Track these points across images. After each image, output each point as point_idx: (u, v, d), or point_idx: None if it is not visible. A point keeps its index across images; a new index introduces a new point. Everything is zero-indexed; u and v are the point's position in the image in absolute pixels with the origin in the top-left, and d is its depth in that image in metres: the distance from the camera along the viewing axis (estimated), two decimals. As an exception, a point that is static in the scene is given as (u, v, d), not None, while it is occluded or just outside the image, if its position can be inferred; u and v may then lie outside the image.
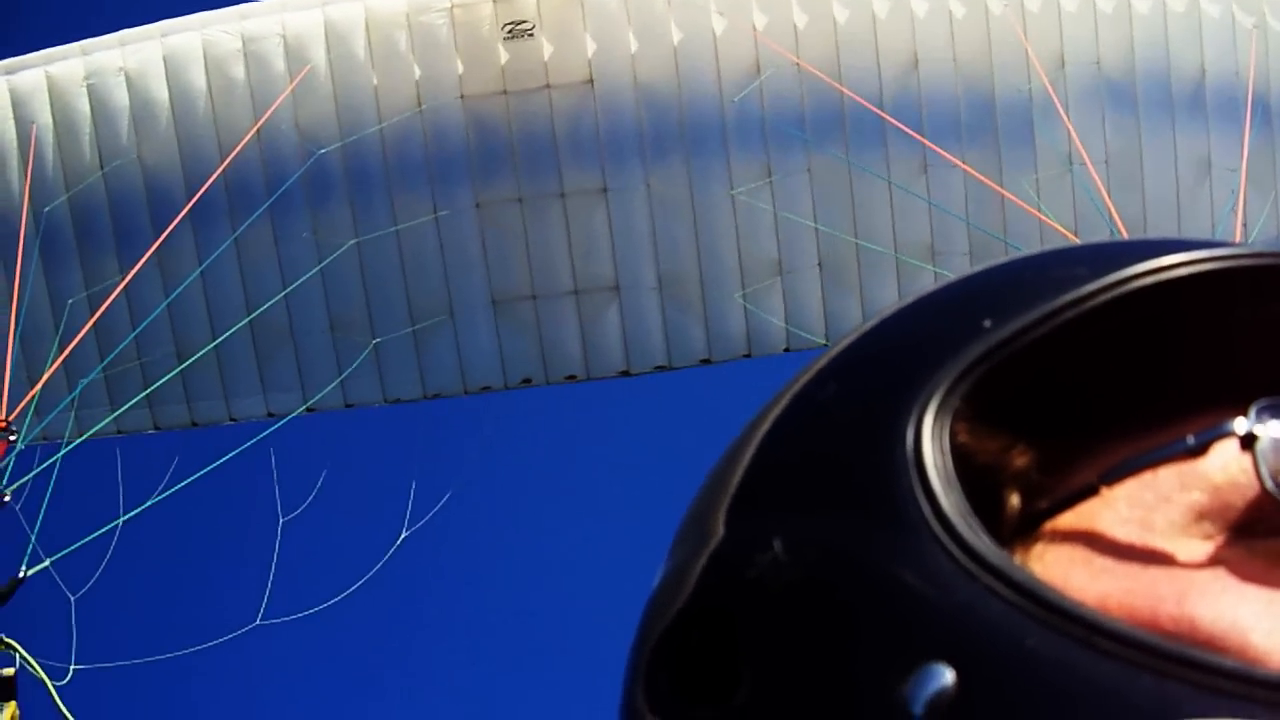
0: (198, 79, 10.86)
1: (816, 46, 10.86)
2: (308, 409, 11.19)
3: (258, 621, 10.29)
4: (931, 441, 0.77)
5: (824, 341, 11.07)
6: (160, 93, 10.86)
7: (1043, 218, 10.53)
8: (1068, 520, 0.80)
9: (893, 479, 0.76)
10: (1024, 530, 0.81)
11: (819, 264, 11.26)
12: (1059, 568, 0.77)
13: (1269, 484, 0.73)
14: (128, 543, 10.34)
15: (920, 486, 0.75)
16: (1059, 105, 10.77)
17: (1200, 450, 0.77)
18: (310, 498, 11.12)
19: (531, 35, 10.81)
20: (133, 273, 10.00)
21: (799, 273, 11.24)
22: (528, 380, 11.42)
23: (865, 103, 10.58)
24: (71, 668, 9.66)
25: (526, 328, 11.22)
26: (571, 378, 11.43)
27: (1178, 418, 0.82)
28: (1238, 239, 9.53)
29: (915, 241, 11.22)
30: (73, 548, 9.60)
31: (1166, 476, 0.78)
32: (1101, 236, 10.41)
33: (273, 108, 10.54)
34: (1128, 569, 0.75)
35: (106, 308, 10.08)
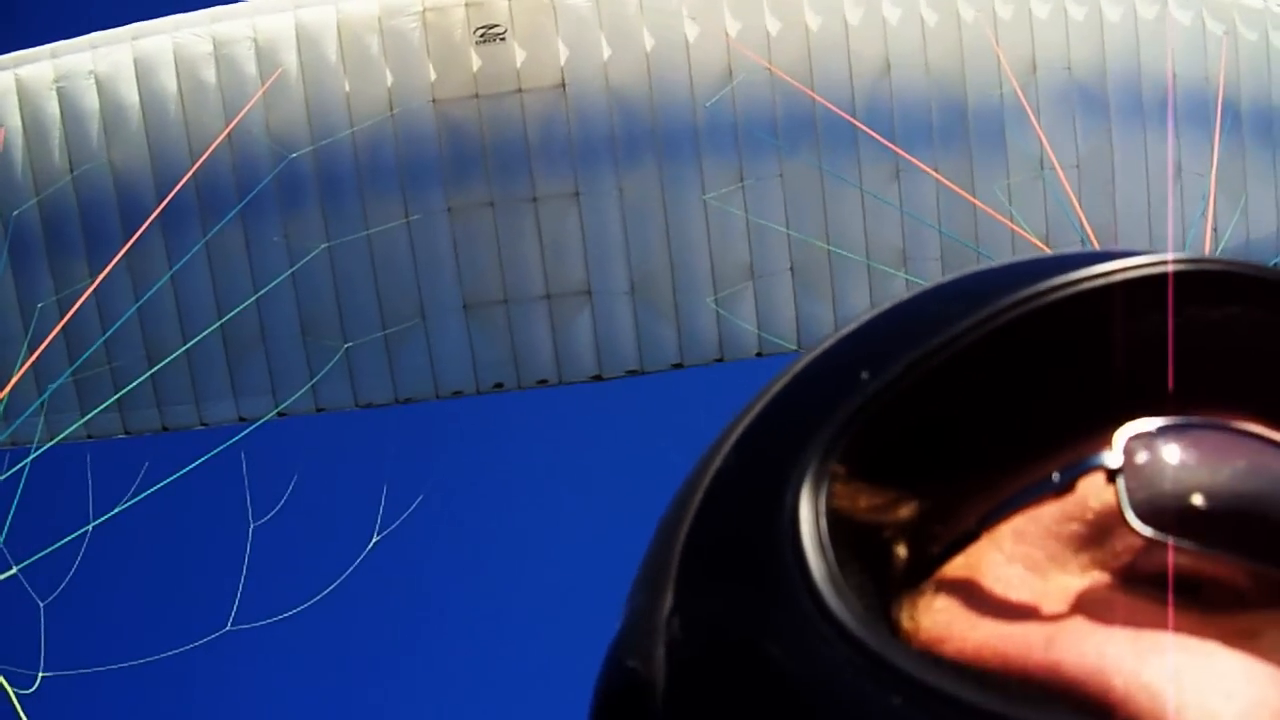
0: (168, 82, 10.81)
1: (789, 52, 10.88)
2: (279, 413, 11.14)
3: (229, 627, 10.26)
4: (808, 508, 0.77)
5: (795, 347, 11.09)
6: (130, 96, 10.81)
7: (1012, 226, 10.58)
8: (956, 565, 0.80)
9: (774, 551, 0.77)
10: (916, 581, 0.81)
11: (791, 269, 11.28)
12: (944, 616, 0.78)
13: (1131, 518, 0.73)
14: (98, 548, 10.29)
15: (794, 556, 0.75)
16: (1030, 111, 10.81)
17: (1068, 487, 0.77)
18: (281, 502, 11.11)
19: (503, 39, 10.79)
20: (101, 276, 9.94)
21: (771, 277, 11.25)
22: (499, 385, 11.40)
23: (836, 109, 10.60)
24: (40, 675, 9.61)
25: (498, 332, 11.20)
26: (543, 382, 11.42)
27: (1059, 449, 0.82)
28: (1207, 243, 9.61)
29: (887, 246, 11.25)
30: (42, 554, 9.54)
31: (1049, 510, 0.78)
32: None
33: (244, 111, 10.49)
34: (1003, 614, 0.75)
35: (75, 311, 10.02)
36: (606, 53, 10.87)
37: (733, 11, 10.90)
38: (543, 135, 10.92)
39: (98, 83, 10.81)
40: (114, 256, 10.07)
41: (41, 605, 10.19)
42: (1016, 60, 11.07)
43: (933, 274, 10.73)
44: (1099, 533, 0.76)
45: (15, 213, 10.70)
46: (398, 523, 11.10)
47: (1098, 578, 0.74)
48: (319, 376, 10.95)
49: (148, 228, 10.16)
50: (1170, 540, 0.72)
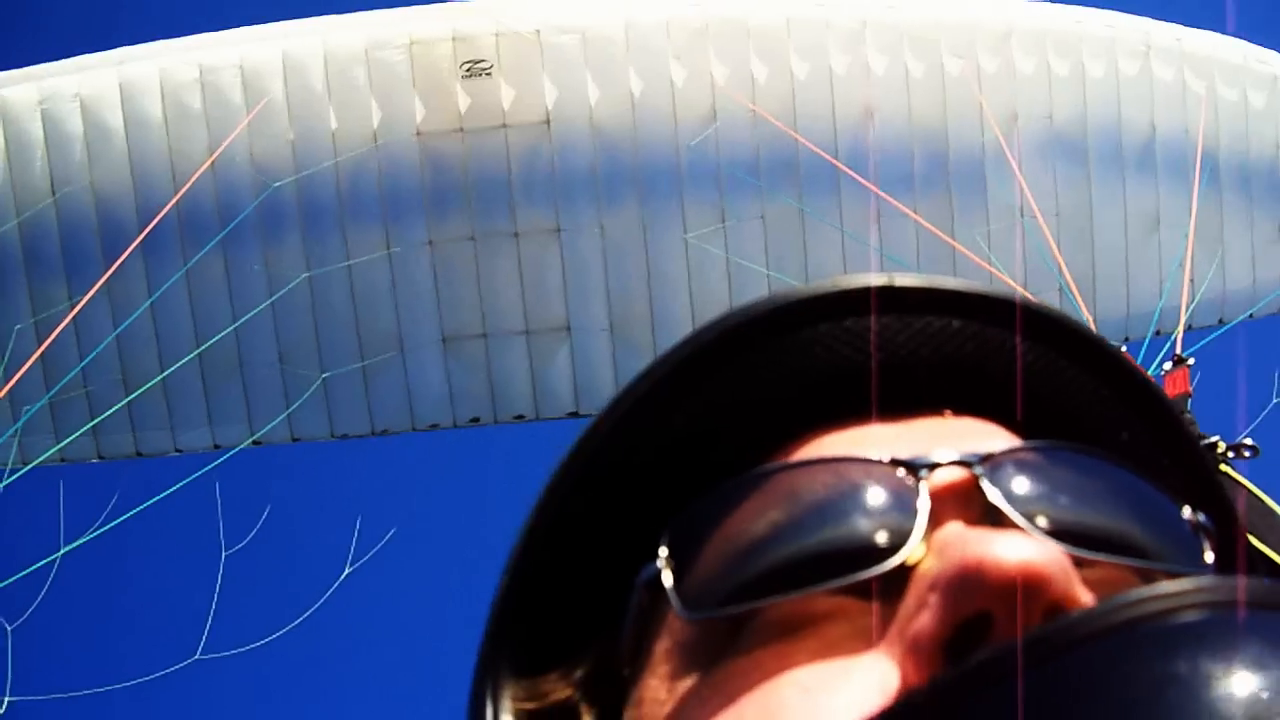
0: (153, 107, 10.81)
1: (773, 97, 10.93)
2: (254, 442, 11.11)
3: (198, 655, 10.19)
4: None
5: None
6: (114, 120, 10.80)
7: (992, 270, 10.62)
8: (632, 704, 0.87)
9: None
10: None
11: (770, 309, 11.27)
12: None
13: (682, 614, 0.81)
14: (68, 572, 10.23)
15: None
16: (1011, 159, 10.88)
17: (653, 601, 0.86)
18: (254, 532, 11.05)
19: (489, 74, 10.83)
20: (84, 302, 9.91)
21: (750, 318, 11.24)
22: (476, 419, 11.39)
23: (819, 151, 10.64)
24: (6, 699, 9.53)
25: (476, 366, 11.19)
26: (520, 418, 11.41)
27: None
28: (1184, 295, 9.66)
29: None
30: (13, 579, 9.47)
31: (667, 628, 0.86)
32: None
33: (229, 140, 10.49)
34: None
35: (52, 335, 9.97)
36: (592, 90, 10.91)
37: (719, 56, 10.96)
38: (525, 171, 10.94)
39: (82, 106, 10.81)
40: (93, 280, 10.03)
41: (9, 629, 10.11)
42: (999, 109, 11.14)
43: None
44: (679, 626, 0.84)
45: (-5, 233, 10.68)
46: (370, 554, 11.04)
47: (706, 663, 0.81)
48: (295, 406, 10.94)
49: (127, 251, 10.14)
50: (718, 614, 0.80)
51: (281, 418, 11.01)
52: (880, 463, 0.83)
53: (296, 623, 10.87)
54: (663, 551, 0.83)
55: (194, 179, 10.36)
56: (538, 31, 10.89)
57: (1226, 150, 11.86)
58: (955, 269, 11.04)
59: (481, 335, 11.15)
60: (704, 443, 0.92)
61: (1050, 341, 0.95)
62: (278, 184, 10.63)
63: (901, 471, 0.82)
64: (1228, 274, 12.06)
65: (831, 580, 0.77)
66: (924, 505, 0.79)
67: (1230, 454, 6.11)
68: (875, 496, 0.81)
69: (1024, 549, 0.71)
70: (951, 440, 0.87)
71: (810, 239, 11.16)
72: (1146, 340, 10.40)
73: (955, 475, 0.82)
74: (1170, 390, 7.47)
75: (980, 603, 0.70)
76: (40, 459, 10.54)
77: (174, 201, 10.28)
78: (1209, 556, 0.84)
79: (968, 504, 0.81)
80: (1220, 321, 12.13)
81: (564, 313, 11.17)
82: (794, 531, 0.80)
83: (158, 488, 10.31)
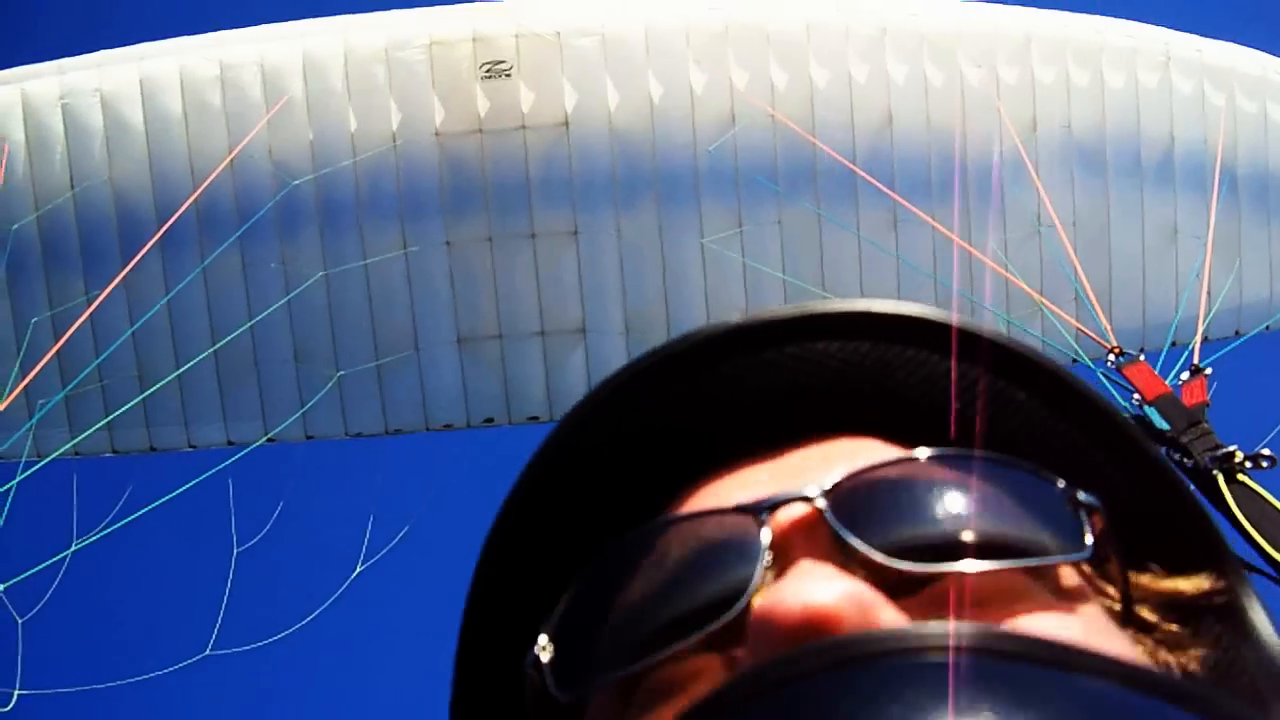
0: (173, 104, 10.83)
1: (792, 102, 10.92)
2: (268, 439, 11.11)
3: (208, 651, 10.19)
4: None
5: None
6: (135, 115, 10.82)
7: (1010, 277, 10.61)
8: None
9: None
10: None
11: (786, 314, 11.23)
12: None
13: (555, 694, 0.83)
14: (80, 566, 10.23)
15: None
16: (1030, 167, 10.86)
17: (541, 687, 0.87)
18: (266, 528, 11.05)
19: (509, 75, 10.83)
20: (102, 297, 9.91)
21: (765, 323, 11.21)
22: (490, 420, 11.38)
23: (838, 156, 10.63)
24: (16, 693, 9.54)
25: (491, 367, 11.19)
26: (534, 419, 11.40)
27: None
28: (1202, 306, 9.63)
29: (882, 296, 11.21)
30: (26, 575, 9.46)
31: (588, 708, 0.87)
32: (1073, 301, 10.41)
33: (248, 137, 10.51)
34: None
35: (70, 328, 9.99)
36: (611, 93, 10.90)
37: (739, 61, 10.95)
38: (543, 172, 10.93)
39: (102, 101, 10.83)
40: (111, 275, 10.04)
41: (20, 622, 10.11)
42: (1017, 118, 11.13)
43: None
44: (592, 704, 0.85)
45: (15, 227, 10.69)
46: (382, 553, 11.03)
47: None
48: (310, 404, 10.94)
49: (146, 248, 10.15)
50: (576, 693, 0.82)
51: (296, 416, 11.02)
52: (723, 512, 0.83)
53: (307, 620, 10.87)
54: (542, 638, 0.85)
55: (213, 176, 10.37)
56: (558, 34, 10.89)
57: (1245, 162, 11.83)
58: (972, 276, 11.03)
59: (497, 336, 11.14)
60: (596, 513, 0.94)
61: (921, 343, 0.95)
62: (296, 182, 10.64)
63: (746, 517, 0.82)
64: (1245, 286, 12.02)
65: (677, 642, 0.78)
66: (762, 549, 0.80)
67: (1248, 464, 6.11)
68: (720, 549, 0.81)
69: (812, 592, 0.71)
70: (813, 471, 0.87)
71: (827, 244, 11.14)
72: (1164, 350, 10.37)
73: (800, 511, 0.82)
74: (1188, 400, 7.48)
75: (777, 649, 0.70)
76: (55, 453, 10.54)
77: (193, 198, 10.30)
78: (1089, 538, 0.83)
79: (814, 537, 0.81)
80: (1236, 333, 12.09)
81: (580, 315, 11.16)
82: (650, 599, 0.81)
83: (171, 484, 10.31)
